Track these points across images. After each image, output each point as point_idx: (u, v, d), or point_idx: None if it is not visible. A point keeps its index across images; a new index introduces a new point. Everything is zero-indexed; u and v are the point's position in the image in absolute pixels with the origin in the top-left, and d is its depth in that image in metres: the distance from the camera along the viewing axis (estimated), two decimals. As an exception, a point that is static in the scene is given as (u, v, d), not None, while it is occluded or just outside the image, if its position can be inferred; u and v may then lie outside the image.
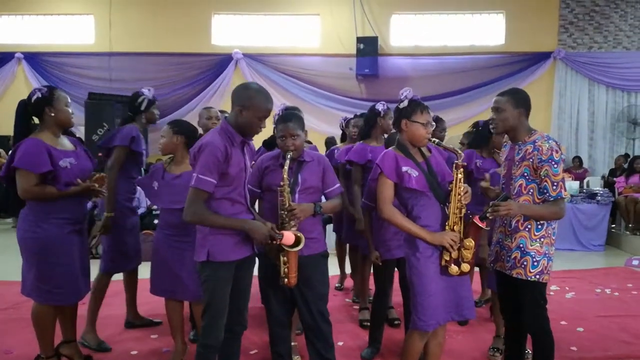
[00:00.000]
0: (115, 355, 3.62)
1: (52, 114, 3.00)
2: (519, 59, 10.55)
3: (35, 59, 11.12)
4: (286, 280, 2.68)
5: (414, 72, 10.49)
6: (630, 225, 8.00)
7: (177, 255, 3.21)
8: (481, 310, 4.63)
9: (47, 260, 2.96)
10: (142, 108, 3.87)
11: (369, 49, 10.30)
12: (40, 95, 3.00)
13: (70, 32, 11.33)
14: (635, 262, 6.84)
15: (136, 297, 4.18)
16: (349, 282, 5.32)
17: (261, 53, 10.91)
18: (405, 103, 2.71)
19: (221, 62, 10.89)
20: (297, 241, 2.64)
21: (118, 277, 3.71)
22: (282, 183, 2.72)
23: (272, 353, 3.04)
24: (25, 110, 3.07)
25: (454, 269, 2.61)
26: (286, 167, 2.72)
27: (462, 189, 2.60)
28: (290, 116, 2.90)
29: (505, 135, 3.70)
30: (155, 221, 7.22)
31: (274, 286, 2.85)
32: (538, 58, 10.53)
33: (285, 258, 2.66)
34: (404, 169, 2.63)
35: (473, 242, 2.60)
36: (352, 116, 4.85)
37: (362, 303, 4.39)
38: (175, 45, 10.80)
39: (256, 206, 3.04)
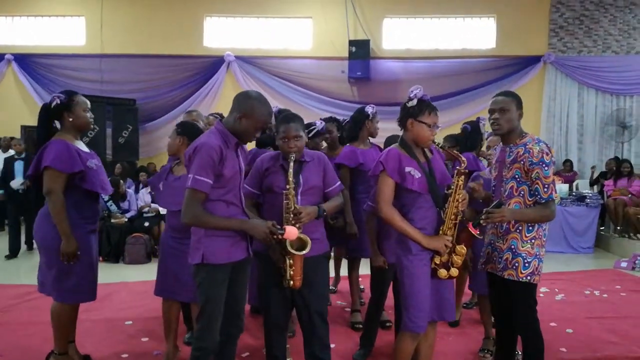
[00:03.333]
0: (105, 357, 3.60)
1: (71, 119, 3.11)
2: (510, 62, 10.61)
3: (26, 61, 11.02)
4: (291, 282, 2.67)
5: (406, 75, 10.51)
6: (618, 228, 8.08)
7: (177, 256, 3.22)
8: (471, 312, 4.67)
9: (74, 263, 3.01)
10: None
11: (361, 52, 10.31)
12: (59, 102, 3.10)
13: (61, 33, 11.24)
14: (623, 264, 6.91)
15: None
16: (343, 286, 5.31)
17: (253, 55, 10.90)
18: (414, 102, 2.68)
19: (213, 64, 10.87)
20: (303, 244, 2.63)
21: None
22: (288, 187, 2.70)
23: (268, 356, 3.01)
24: (46, 115, 3.14)
25: (443, 272, 2.63)
26: (291, 170, 2.71)
27: (460, 195, 2.60)
28: (292, 117, 2.89)
29: (491, 138, 3.73)
30: (146, 224, 7.25)
31: (275, 288, 2.83)
32: (528, 62, 10.59)
33: (291, 261, 2.65)
34: (407, 169, 2.62)
35: (465, 248, 2.62)
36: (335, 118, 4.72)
37: (353, 305, 4.40)
38: (167, 47, 10.76)
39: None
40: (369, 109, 4.01)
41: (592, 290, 5.59)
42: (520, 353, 3.26)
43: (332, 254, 5.29)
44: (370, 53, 10.40)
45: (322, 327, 2.88)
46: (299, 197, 2.79)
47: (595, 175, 9.76)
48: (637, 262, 6.83)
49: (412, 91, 2.71)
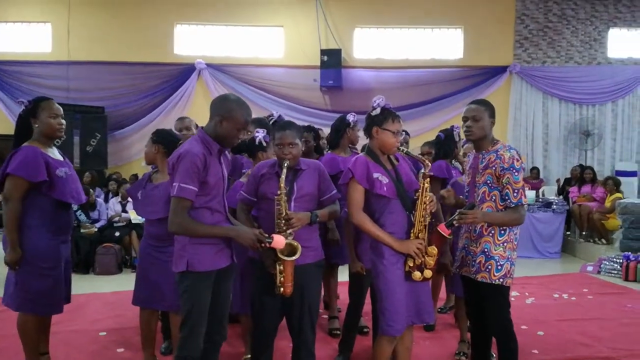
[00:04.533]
0: (79, 370, 3.54)
1: (36, 125, 3.04)
2: (477, 72, 10.87)
3: (-9, 68, 10.76)
4: (282, 289, 2.67)
5: (377, 84, 10.65)
6: (584, 233, 8.33)
7: (157, 265, 3.19)
8: (446, 316, 4.74)
9: (35, 270, 2.95)
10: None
11: (332, 61, 10.41)
12: (23, 107, 3.06)
13: (27, 40, 11.00)
14: (589, 268, 7.13)
15: None
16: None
17: (225, 63, 10.86)
18: (378, 111, 2.76)
19: (184, 72, 10.79)
20: (294, 250, 2.64)
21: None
22: (279, 192, 2.72)
23: None
24: (19, 121, 3.10)
25: (417, 274, 2.68)
26: (283, 177, 2.72)
27: (427, 197, 2.68)
28: (288, 125, 2.92)
29: (466, 145, 3.84)
30: (117, 234, 7.13)
31: (266, 295, 2.83)
32: (495, 72, 10.88)
33: (281, 267, 2.65)
34: (375, 175, 2.69)
35: (436, 249, 2.69)
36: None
37: (330, 312, 4.42)
38: (137, 54, 10.63)
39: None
40: (351, 117, 4.06)
41: (561, 293, 5.75)
42: (495, 356, 3.34)
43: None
44: (342, 62, 10.52)
45: (310, 335, 2.89)
46: (292, 204, 2.81)
47: (561, 181, 10.06)
48: (602, 265, 7.04)
49: (375, 101, 2.79)
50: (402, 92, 10.49)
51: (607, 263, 7.00)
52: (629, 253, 6.88)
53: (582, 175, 9.08)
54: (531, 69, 10.90)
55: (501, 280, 2.79)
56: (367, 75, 10.83)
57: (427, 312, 2.79)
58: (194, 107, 10.42)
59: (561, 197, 9.14)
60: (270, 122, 4.12)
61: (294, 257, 2.63)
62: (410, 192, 2.77)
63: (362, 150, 3.60)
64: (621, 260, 6.79)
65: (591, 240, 8.18)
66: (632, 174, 10.25)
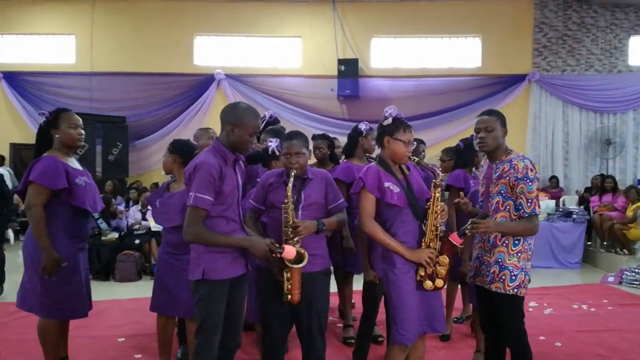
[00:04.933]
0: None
1: (57, 136, 3.13)
2: (495, 81, 10.82)
3: (16, 79, 11.04)
4: (289, 296, 2.70)
5: (394, 93, 10.69)
6: (605, 243, 8.19)
7: (173, 272, 3.25)
8: (462, 326, 4.71)
9: (56, 278, 3.00)
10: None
11: (349, 70, 10.48)
12: (44, 118, 3.16)
13: (52, 51, 11.29)
14: (610, 279, 7.00)
15: None
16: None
17: (243, 74, 11.01)
18: (390, 121, 2.79)
19: (203, 82, 10.96)
20: (301, 257, 2.66)
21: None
22: (286, 200, 2.75)
23: None
24: (40, 133, 3.20)
25: (428, 284, 2.69)
26: (290, 185, 2.76)
27: (439, 207, 2.69)
28: (295, 135, 2.96)
29: (482, 155, 3.83)
30: (137, 241, 7.23)
31: (275, 303, 2.86)
32: (513, 80, 10.82)
33: (288, 274, 2.69)
34: (387, 184, 2.71)
35: (447, 259, 2.70)
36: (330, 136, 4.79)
37: (345, 320, 4.43)
38: (157, 65, 10.84)
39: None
40: (362, 126, 4.10)
41: (580, 304, 5.67)
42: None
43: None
44: (359, 72, 10.58)
45: (320, 343, 2.91)
46: (300, 212, 2.84)
47: (582, 190, 9.92)
48: (623, 276, 6.91)
49: (387, 111, 2.82)
50: (419, 101, 10.51)
51: (629, 274, 6.87)
52: (651, 264, 6.75)
53: (603, 185, 8.95)
54: (550, 77, 10.82)
55: (515, 290, 2.77)
56: (384, 84, 10.87)
57: (438, 320, 2.79)
58: (213, 117, 10.52)
59: (582, 206, 9.01)
60: (263, 123, 4.17)
61: (301, 265, 2.66)
62: (421, 201, 2.78)
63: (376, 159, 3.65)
64: (643, 271, 6.67)
65: (612, 251, 8.02)
66: (655, 183, 10.07)
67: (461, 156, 4.17)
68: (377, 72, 10.98)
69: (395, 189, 2.71)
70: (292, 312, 2.87)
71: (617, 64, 10.85)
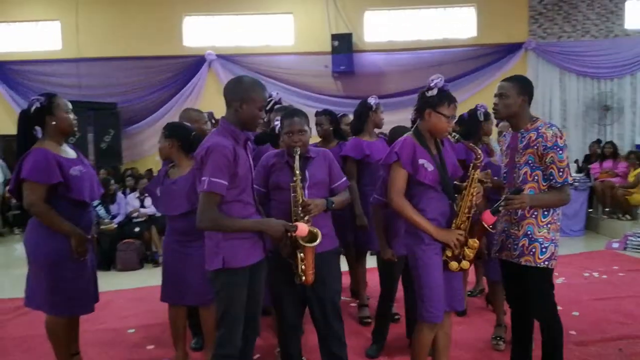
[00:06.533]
0: (112, 368, 3.51)
1: (54, 123, 2.94)
2: (492, 50, 10.63)
3: (1, 68, 10.72)
4: (303, 278, 2.60)
5: (389, 67, 10.50)
6: (607, 210, 8.17)
7: (184, 260, 3.13)
8: (476, 300, 4.67)
9: (61, 273, 2.88)
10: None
11: (343, 46, 10.25)
12: (39, 105, 2.94)
13: (36, 38, 10.95)
14: (615, 245, 7.00)
15: None
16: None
17: (235, 53, 10.75)
18: (434, 92, 2.63)
19: (194, 63, 10.69)
20: (313, 236, 2.57)
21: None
22: (294, 179, 2.65)
23: (284, 356, 2.95)
24: (26, 121, 2.96)
25: (454, 265, 2.61)
26: (297, 163, 2.66)
27: (475, 189, 2.57)
28: (296, 112, 2.85)
29: (501, 124, 3.71)
30: (136, 229, 7.10)
31: (287, 288, 2.78)
32: (510, 49, 10.63)
33: (302, 255, 2.58)
34: (421, 161, 2.58)
35: (477, 242, 2.59)
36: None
37: (360, 300, 4.35)
38: (146, 48, 10.53)
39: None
40: (372, 100, 3.98)
41: (591, 272, 5.64)
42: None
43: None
44: (353, 46, 10.35)
45: (338, 324, 2.83)
46: (306, 192, 2.74)
47: (581, 162, 9.83)
48: (628, 242, 6.91)
49: (432, 80, 2.65)
50: (415, 74, 10.29)
51: (633, 239, 6.88)
52: (656, 228, 6.74)
53: (602, 151, 8.89)
54: (547, 45, 10.65)
55: (546, 262, 2.69)
56: (379, 58, 10.65)
57: (458, 300, 2.73)
58: (206, 98, 10.35)
59: (582, 174, 8.96)
60: (270, 104, 4.04)
61: (315, 243, 2.56)
62: (452, 179, 2.67)
63: (390, 135, 3.52)
64: (648, 236, 6.66)
65: (615, 217, 8.02)
66: (654, 147, 10.04)
67: (464, 127, 4.06)
68: (371, 46, 10.75)
69: (430, 167, 2.58)
70: (304, 294, 2.79)
71: (614, 29, 10.69)
